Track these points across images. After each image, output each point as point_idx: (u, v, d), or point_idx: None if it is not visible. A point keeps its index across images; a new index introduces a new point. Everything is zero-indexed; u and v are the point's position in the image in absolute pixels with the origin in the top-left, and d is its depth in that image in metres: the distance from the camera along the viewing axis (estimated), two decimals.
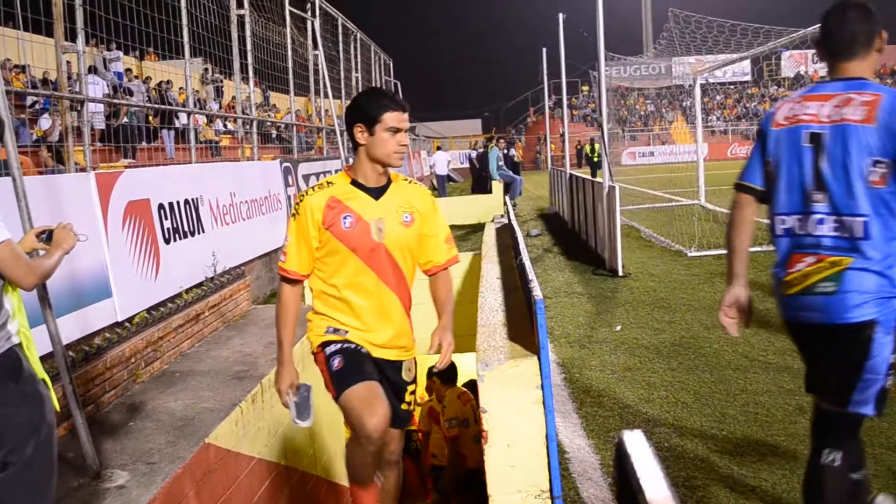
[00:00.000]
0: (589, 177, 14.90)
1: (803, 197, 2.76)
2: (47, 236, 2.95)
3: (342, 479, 6.64)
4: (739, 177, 2.96)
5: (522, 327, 3.69)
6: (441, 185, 26.37)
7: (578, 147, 32.51)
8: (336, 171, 14.04)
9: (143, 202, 6.18)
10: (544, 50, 22.58)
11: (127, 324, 5.16)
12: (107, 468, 3.56)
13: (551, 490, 3.17)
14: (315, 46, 13.65)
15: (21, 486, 2.61)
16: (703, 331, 6.62)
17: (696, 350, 6.10)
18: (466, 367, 8.80)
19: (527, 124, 55.81)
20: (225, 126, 15.01)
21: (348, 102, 3.11)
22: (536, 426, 3.17)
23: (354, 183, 3.14)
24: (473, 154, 22.01)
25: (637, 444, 1.02)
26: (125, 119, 10.31)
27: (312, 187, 3.19)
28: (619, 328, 6.94)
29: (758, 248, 10.26)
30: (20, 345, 2.69)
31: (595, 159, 30.74)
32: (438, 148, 31.70)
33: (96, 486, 3.39)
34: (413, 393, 3.37)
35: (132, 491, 3.35)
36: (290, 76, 12.97)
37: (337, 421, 6.79)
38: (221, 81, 17.10)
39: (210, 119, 14.78)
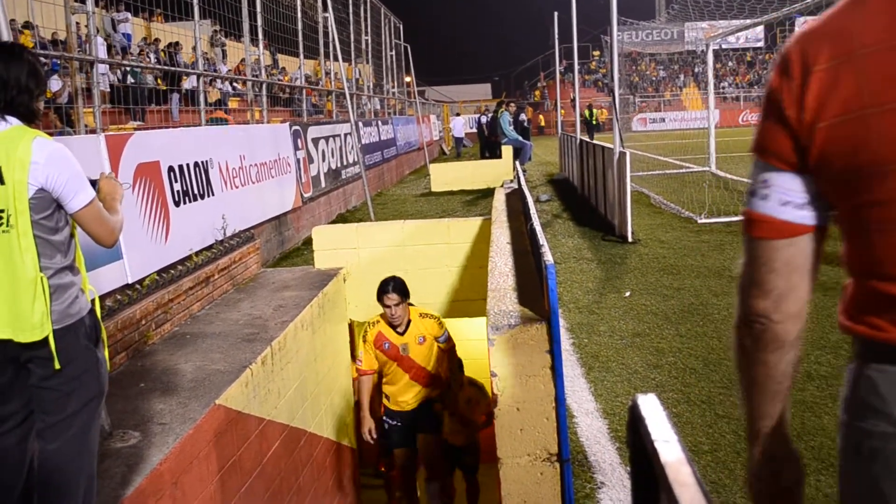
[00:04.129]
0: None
1: None
2: None
3: (349, 441, 6.71)
4: None
5: (532, 292, 3.69)
6: (458, 146, 27.48)
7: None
8: (346, 136, 13.97)
9: (153, 164, 6.17)
10: (556, 14, 22.37)
11: (137, 286, 5.18)
12: (119, 428, 3.59)
13: (560, 453, 3.19)
14: (325, 8, 13.52)
15: (79, 452, 2.58)
16: (711, 297, 6.61)
17: (705, 316, 6.10)
18: (477, 331, 8.83)
19: (538, 89, 55.38)
20: (234, 88, 14.92)
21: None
22: (545, 390, 3.18)
23: None
24: (484, 119, 21.93)
25: (651, 407, 1.02)
26: (130, 79, 10.25)
27: None
28: (628, 294, 6.94)
29: None
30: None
31: (594, 123, 30.73)
32: (458, 114, 34.07)
33: (109, 445, 3.42)
34: None
35: (144, 451, 3.38)
36: (300, 39, 12.88)
37: (347, 385, 6.84)
38: (225, 44, 16.97)
39: (219, 81, 14.69)
